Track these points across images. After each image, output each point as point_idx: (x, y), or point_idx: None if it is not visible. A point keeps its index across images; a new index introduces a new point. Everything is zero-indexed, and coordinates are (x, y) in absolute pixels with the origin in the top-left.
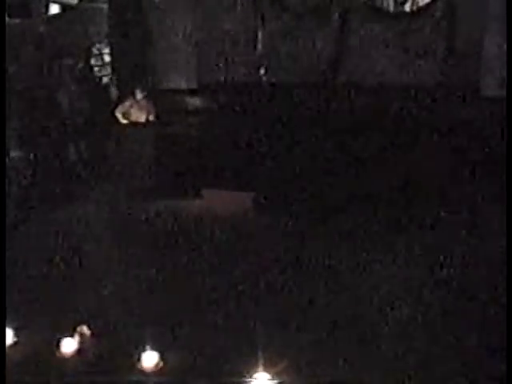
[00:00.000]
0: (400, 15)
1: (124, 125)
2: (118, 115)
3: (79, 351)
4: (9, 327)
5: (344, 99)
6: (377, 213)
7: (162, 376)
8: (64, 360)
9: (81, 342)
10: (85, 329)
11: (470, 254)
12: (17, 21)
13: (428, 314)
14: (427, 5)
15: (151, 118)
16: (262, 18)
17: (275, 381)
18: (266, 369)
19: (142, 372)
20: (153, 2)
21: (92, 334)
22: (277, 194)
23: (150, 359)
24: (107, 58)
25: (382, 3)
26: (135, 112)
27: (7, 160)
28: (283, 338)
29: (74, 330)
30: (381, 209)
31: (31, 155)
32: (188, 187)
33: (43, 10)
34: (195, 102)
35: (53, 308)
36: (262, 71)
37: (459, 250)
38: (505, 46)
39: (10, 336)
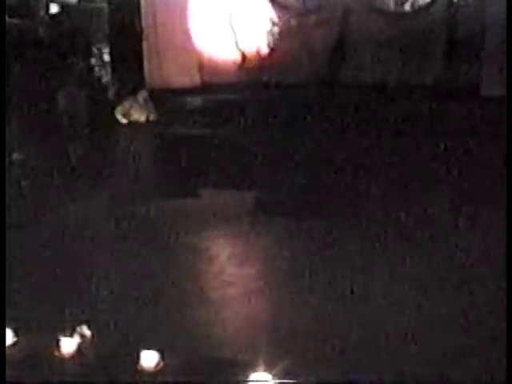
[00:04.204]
0: (400, 15)
1: (124, 125)
2: (118, 115)
3: (79, 351)
4: (9, 327)
5: (344, 98)
6: (374, 212)
7: (162, 376)
8: (64, 360)
9: (81, 342)
10: (85, 329)
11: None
12: (17, 21)
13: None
14: (427, 4)
15: (151, 118)
16: (264, 19)
17: (275, 381)
18: (266, 369)
19: (142, 372)
20: (153, 2)
21: (92, 334)
22: (278, 194)
23: (149, 359)
24: (107, 58)
25: (383, 3)
26: (135, 112)
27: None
28: (284, 338)
29: (74, 330)
30: (378, 207)
31: (31, 155)
32: (188, 187)
33: (43, 10)
34: (196, 101)
35: (53, 308)
36: (264, 71)
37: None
38: (505, 46)
39: (9, 336)
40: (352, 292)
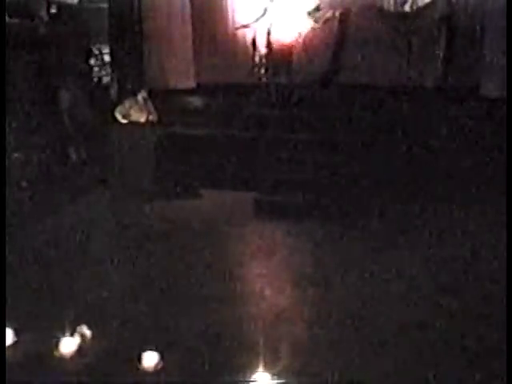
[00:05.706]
0: (400, 15)
1: (124, 125)
2: (118, 116)
3: (79, 351)
4: (9, 327)
5: (343, 99)
6: (377, 209)
7: (162, 376)
8: (64, 360)
9: (81, 342)
10: (85, 329)
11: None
12: (17, 21)
13: None
14: (427, 5)
15: (151, 118)
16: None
17: (275, 381)
18: (266, 369)
19: (142, 372)
20: (152, 3)
21: (92, 334)
22: (277, 195)
23: (150, 359)
24: (107, 58)
25: (383, 3)
26: (135, 112)
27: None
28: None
29: (74, 330)
30: (381, 206)
31: (32, 155)
32: (188, 187)
33: (43, 10)
34: (195, 101)
35: (53, 308)
36: (262, 71)
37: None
38: (505, 47)
39: (9, 336)
40: (352, 292)
